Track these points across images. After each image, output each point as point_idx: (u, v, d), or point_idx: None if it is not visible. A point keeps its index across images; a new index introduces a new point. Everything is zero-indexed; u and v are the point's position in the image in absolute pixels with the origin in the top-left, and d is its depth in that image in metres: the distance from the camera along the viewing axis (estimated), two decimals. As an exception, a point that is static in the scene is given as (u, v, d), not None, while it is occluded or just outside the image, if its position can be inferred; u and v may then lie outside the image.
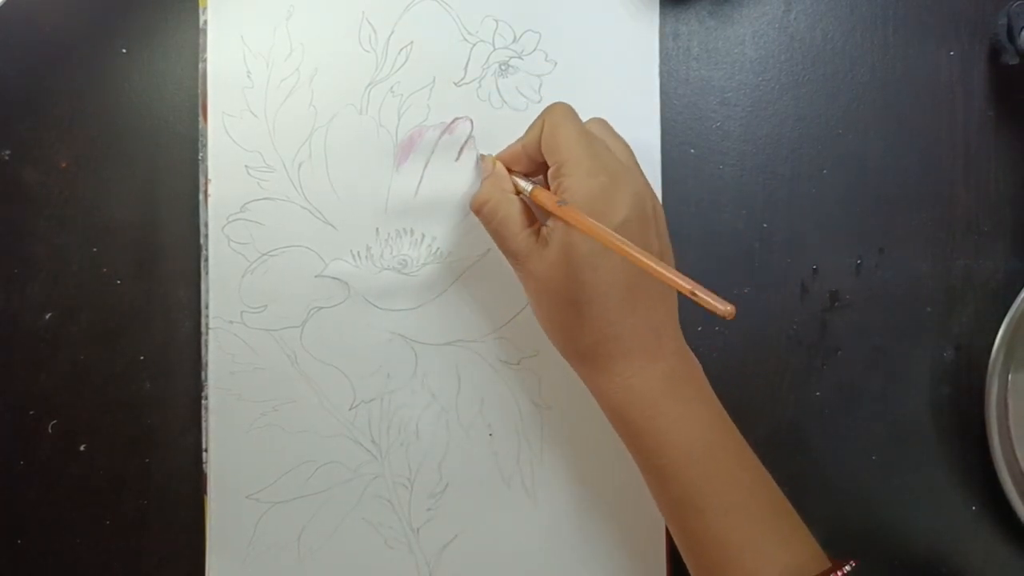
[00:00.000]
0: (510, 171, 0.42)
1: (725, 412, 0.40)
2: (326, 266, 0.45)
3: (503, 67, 0.46)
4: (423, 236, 0.45)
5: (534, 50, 0.46)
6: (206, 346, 0.44)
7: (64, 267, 0.45)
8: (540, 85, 0.46)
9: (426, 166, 0.45)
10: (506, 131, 0.43)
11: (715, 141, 0.47)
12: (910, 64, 0.48)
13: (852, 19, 0.48)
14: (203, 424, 0.44)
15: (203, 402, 0.44)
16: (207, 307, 0.44)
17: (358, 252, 0.45)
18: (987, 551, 0.48)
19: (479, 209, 0.41)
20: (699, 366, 0.40)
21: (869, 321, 0.47)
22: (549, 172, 0.39)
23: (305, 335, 0.45)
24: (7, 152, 0.44)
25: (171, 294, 0.45)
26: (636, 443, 0.39)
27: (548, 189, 0.40)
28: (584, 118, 0.42)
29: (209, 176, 0.44)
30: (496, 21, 0.46)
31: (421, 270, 0.45)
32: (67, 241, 0.45)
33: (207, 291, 0.44)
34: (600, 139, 0.40)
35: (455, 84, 0.45)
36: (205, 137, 0.44)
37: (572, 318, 0.39)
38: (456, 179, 0.45)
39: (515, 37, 0.46)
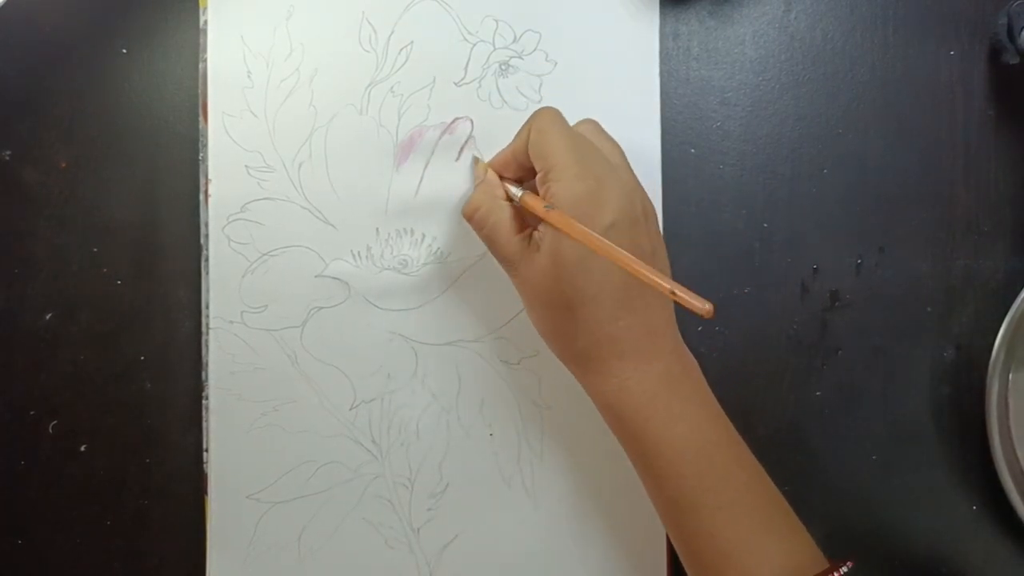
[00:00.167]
0: (501, 177, 0.43)
1: (722, 411, 0.40)
2: (326, 266, 0.45)
3: (503, 67, 0.46)
4: (423, 236, 0.45)
5: (534, 50, 0.46)
6: (206, 346, 0.44)
7: (64, 267, 0.45)
8: (540, 85, 0.46)
9: (426, 166, 0.45)
10: (506, 131, 0.43)
11: (715, 141, 0.47)
12: (910, 64, 0.48)
13: (852, 19, 0.48)
14: (203, 424, 0.44)
15: (203, 402, 0.44)
16: (207, 307, 0.44)
17: (358, 252, 0.45)
18: (987, 551, 0.48)
19: (471, 216, 0.41)
20: (696, 365, 0.40)
21: (869, 321, 0.47)
22: (537, 177, 0.39)
23: (305, 335, 0.45)
24: (7, 152, 0.44)
25: (171, 294, 0.45)
26: (632, 443, 0.39)
27: (538, 194, 0.40)
28: (584, 118, 0.42)
29: (209, 176, 0.44)
30: (496, 21, 0.45)
31: (421, 270, 0.45)
32: (67, 241, 0.45)
33: (207, 291, 0.44)
34: (588, 141, 0.40)
35: (455, 84, 0.45)
36: (205, 137, 0.44)
37: (566, 321, 0.39)
38: (456, 179, 0.45)
39: (515, 37, 0.46)
